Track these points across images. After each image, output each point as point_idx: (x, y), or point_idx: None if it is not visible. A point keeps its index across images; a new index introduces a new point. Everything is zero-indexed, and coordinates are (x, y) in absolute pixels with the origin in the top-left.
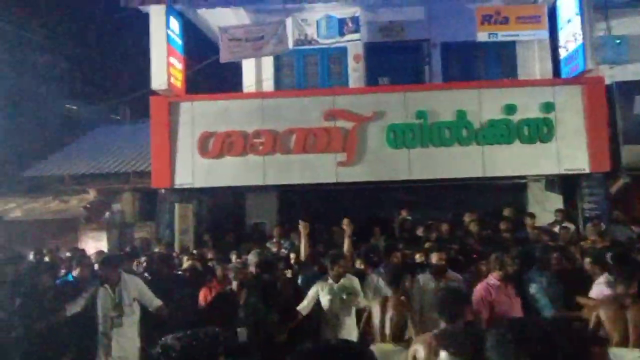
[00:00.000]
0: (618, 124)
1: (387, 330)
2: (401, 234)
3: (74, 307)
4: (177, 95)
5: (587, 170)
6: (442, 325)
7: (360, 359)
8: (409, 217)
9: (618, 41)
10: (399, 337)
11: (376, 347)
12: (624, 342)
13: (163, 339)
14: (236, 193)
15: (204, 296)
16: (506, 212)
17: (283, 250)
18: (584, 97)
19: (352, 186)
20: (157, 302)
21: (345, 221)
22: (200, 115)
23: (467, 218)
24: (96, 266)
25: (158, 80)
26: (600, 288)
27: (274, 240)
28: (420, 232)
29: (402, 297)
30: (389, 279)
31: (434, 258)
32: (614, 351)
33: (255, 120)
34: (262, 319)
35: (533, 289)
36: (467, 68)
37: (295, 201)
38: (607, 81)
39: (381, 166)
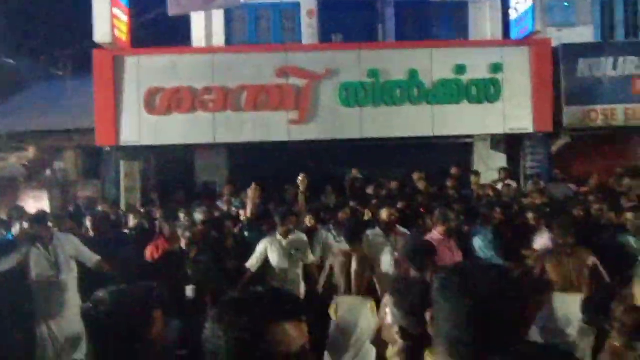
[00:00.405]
0: (562, 85)
1: (353, 286)
2: (351, 192)
3: (3, 265)
4: (122, 49)
5: (531, 130)
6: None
7: (288, 304)
8: (360, 176)
9: (566, 4)
10: (364, 292)
11: (339, 299)
12: (566, 288)
13: (95, 293)
14: (185, 151)
15: (150, 253)
16: (453, 170)
17: (233, 208)
18: (531, 58)
19: (304, 144)
20: (96, 258)
21: (301, 177)
22: (147, 70)
23: (415, 176)
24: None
25: (101, 32)
26: (543, 240)
27: (225, 198)
28: (370, 190)
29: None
30: (348, 236)
31: (384, 214)
32: (557, 296)
33: (205, 76)
34: (211, 276)
35: (477, 242)
36: (420, 27)
37: (247, 159)
38: (554, 43)
39: (333, 124)
